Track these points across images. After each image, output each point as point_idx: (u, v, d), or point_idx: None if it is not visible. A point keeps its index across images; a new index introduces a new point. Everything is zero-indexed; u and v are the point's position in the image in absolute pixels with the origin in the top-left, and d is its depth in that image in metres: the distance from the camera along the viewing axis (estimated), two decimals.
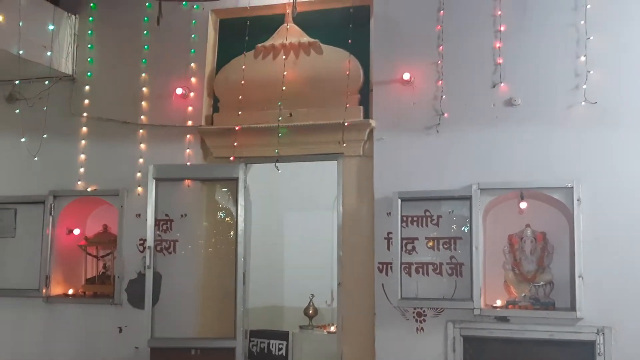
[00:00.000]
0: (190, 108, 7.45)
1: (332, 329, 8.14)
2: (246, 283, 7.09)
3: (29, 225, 7.89)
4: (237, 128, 7.17)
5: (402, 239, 6.56)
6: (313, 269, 8.91)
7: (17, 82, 7.55)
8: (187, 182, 7.35)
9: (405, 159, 6.72)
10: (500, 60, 6.48)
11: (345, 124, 6.79)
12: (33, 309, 7.70)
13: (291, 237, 9.70)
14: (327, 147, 6.99)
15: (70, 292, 7.78)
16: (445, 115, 6.61)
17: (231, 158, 7.24)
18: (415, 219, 6.62)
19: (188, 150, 7.40)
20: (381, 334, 6.60)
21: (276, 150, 6.95)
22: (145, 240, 7.13)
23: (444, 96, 6.63)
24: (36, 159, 7.76)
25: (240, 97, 7.19)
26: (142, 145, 7.54)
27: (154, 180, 7.12)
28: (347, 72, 6.89)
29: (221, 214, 7.57)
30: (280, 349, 7.75)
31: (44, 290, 7.64)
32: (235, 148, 7.20)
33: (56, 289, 7.73)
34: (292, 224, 9.81)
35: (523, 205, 6.31)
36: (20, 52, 7.00)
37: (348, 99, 6.89)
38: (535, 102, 6.38)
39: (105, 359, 7.41)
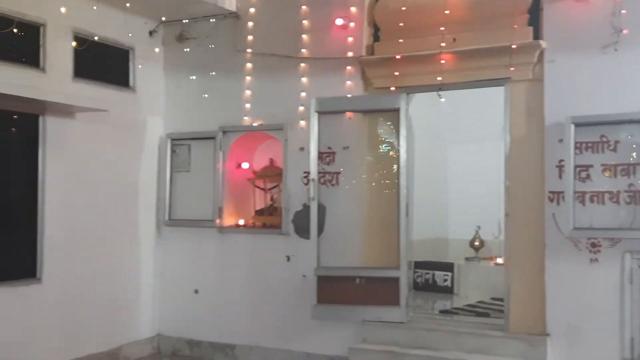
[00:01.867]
0: (350, 39, 7.38)
1: (499, 260, 7.92)
2: (409, 215, 7.03)
3: (202, 160, 8.30)
4: (397, 57, 7.01)
5: (575, 166, 6.18)
6: (479, 201, 8.70)
7: (185, 21, 7.85)
8: (348, 114, 7.34)
9: (578, 81, 6.27)
10: None
11: (513, 46, 6.43)
12: (208, 238, 8.16)
13: (455, 169, 9.50)
14: (493, 72, 6.67)
15: (241, 222, 8.14)
16: (624, 32, 6.06)
17: (392, 88, 7.13)
18: (589, 145, 6.19)
19: (349, 82, 7.37)
20: (551, 265, 6.33)
21: (439, 78, 6.74)
22: (309, 173, 7.24)
23: (622, 11, 6.06)
24: (205, 96, 8.09)
25: (401, 24, 7.01)
26: (304, 79, 7.60)
27: (316, 114, 7.18)
28: None
29: (383, 146, 7.51)
30: (445, 280, 7.71)
31: (217, 221, 8.05)
32: (396, 78, 7.07)
33: (228, 220, 8.12)
34: (456, 155, 9.60)
35: None
36: None
37: (516, 19, 6.53)
38: None
39: (274, 285, 7.73)
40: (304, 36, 7.62)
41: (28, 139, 7.01)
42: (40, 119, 7.02)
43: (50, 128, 7.08)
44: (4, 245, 6.67)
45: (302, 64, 7.62)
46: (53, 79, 7.08)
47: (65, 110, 7.16)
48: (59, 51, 7.16)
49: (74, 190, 7.35)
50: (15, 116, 6.87)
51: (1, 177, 6.65)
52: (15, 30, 6.61)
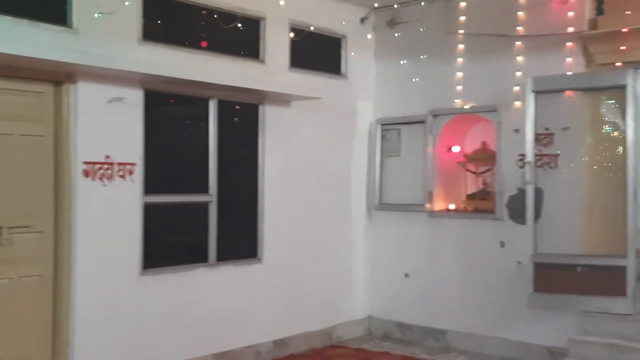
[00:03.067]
0: (570, 13, 6.97)
1: None
2: (637, 199, 6.52)
3: (411, 144, 8.31)
4: (624, 30, 6.50)
5: None
6: None
7: (396, 6, 7.88)
8: (568, 93, 6.94)
9: None
10: None
11: None
12: (418, 222, 8.16)
13: None
14: None
15: (452, 207, 8.04)
16: None
17: (618, 64, 6.62)
18: None
19: (568, 59, 6.97)
20: None
21: None
22: (524, 155, 6.96)
23: None
24: (415, 80, 8.07)
25: None
26: (519, 58, 7.32)
27: (533, 93, 6.87)
28: None
29: (606, 127, 7.01)
30: None
31: (427, 206, 8.02)
32: (622, 53, 6.57)
33: (438, 204, 8.06)
34: None
35: None
36: None
37: None
38: None
39: (486, 271, 7.56)
40: (520, 13, 7.31)
41: (249, 127, 7.43)
42: (260, 108, 7.41)
43: (269, 116, 7.46)
44: (230, 228, 7.14)
45: (518, 43, 7.32)
46: (271, 69, 7.44)
47: (282, 99, 7.49)
48: (276, 43, 7.51)
49: (290, 176, 7.69)
50: (237, 106, 7.32)
51: (228, 165, 7.11)
52: (239, 25, 7.02)
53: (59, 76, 5.72)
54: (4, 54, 4.97)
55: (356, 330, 8.52)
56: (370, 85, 8.66)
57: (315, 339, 7.95)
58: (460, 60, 7.81)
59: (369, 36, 8.49)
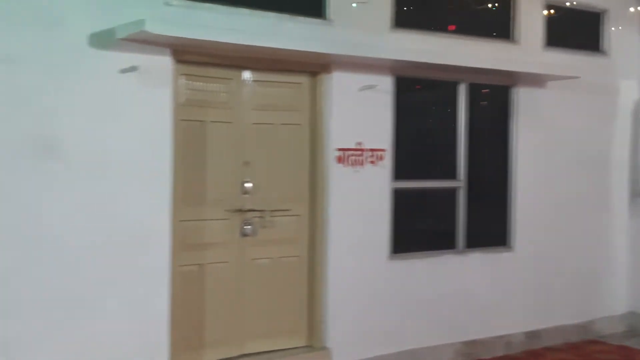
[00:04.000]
0: None
1: None
2: None
3: None
4: None
5: None
6: None
7: None
8: None
9: None
10: None
11: None
12: None
13: None
14: None
15: None
16: None
17: None
18: None
19: None
20: None
21: None
22: None
23: None
24: None
25: None
26: None
27: None
28: None
29: None
30: None
31: None
32: None
33: None
34: None
35: None
36: None
37: None
38: None
39: None
40: None
41: (500, 110, 7.18)
42: (512, 90, 7.13)
43: (522, 99, 7.15)
44: (480, 214, 6.99)
45: None
46: (524, 50, 7.12)
47: (536, 80, 7.15)
48: (529, 21, 7.16)
49: (544, 160, 7.33)
50: (486, 90, 7.10)
51: (478, 150, 6.96)
52: (489, 5, 6.80)
53: (316, 67, 5.98)
54: (269, 48, 5.26)
55: (616, 326, 7.93)
56: (634, 62, 7.95)
57: (570, 333, 7.53)
58: None
59: (631, 10, 7.73)
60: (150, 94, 5.14)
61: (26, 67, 4.68)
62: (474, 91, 6.95)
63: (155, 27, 4.65)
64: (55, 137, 4.78)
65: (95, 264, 4.94)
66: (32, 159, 4.71)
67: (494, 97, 7.21)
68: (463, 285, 6.82)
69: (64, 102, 4.82)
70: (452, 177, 6.85)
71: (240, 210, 5.80)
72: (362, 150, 6.20)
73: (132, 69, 4.99)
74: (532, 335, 7.26)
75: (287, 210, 6.02)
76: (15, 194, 4.66)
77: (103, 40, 4.91)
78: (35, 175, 4.71)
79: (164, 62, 5.20)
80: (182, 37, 4.88)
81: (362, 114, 6.21)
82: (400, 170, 6.46)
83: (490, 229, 7.19)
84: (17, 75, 4.65)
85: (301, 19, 5.84)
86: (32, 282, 4.72)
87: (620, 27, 7.74)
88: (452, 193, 6.86)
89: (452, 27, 6.86)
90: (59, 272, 4.81)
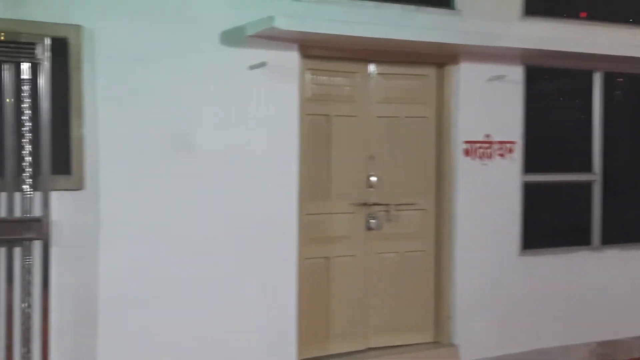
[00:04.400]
0: None
1: None
2: None
3: None
4: None
5: None
6: None
7: None
8: None
9: None
10: None
11: None
12: None
13: None
14: None
15: None
16: None
17: None
18: None
19: None
20: None
21: None
22: None
23: None
24: None
25: None
26: None
27: None
28: None
29: None
30: None
31: None
32: None
33: None
34: None
35: None
36: None
37: None
38: None
39: None
40: None
41: (636, 100, 6.83)
42: None
43: None
44: (617, 209, 6.68)
45: None
46: None
47: None
48: None
49: None
50: (622, 79, 6.77)
51: (615, 141, 6.64)
52: None
53: (443, 58, 5.86)
54: (397, 40, 5.19)
55: None
56: None
57: None
58: None
59: None
60: (278, 89, 5.22)
61: (161, 65, 4.86)
62: (609, 80, 6.61)
63: (284, 23, 4.71)
64: (189, 133, 4.95)
65: (227, 256, 5.09)
66: (167, 154, 4.89)
67: (632, 86, 6.82)
68: (599, 283, 6.50)
69: (197, 100, 4.97)
70: (587, 170, 6.54)
71: (365, 204, 5.79)
72: (490, 142, 6.03)
73: (261, 64, 5.07)
74: None
75: (413, 204, 5.95)
76: (154, 189, 4.86)
77: (233, 37, 5.03)
78: (170, 170, 4.90)
79: (292, 57, 5.26)
80: (310, 32, 4.91)
81: (490, 106, 6.04)
82: (531, 163, 6.24)
83: (629, 224, 6.81)
84: (153, 73, 4.83)
85: (428, 9, 5.74)
86: (169, 273, 4.92)
87: None
88: (586, 187, 6.55)
89: (583, 14, 6.56)
90: (193, 264, 4.98)
